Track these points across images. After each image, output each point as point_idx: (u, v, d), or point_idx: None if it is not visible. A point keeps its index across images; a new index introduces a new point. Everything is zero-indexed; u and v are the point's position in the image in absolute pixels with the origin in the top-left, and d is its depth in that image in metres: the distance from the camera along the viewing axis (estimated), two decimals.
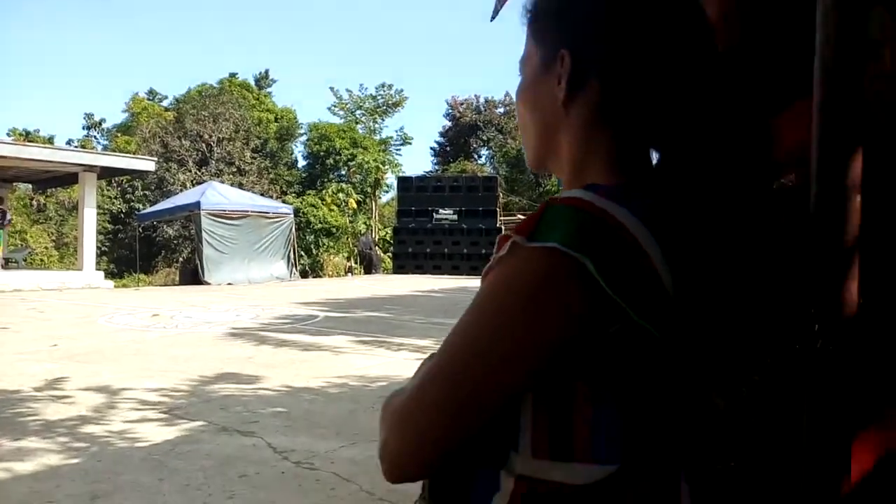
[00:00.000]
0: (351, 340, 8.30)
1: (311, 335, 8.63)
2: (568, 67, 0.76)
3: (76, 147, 28.69)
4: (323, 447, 4.00)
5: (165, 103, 39.43)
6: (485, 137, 46.33)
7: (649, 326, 0.64)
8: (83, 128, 37.78)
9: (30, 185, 24.80)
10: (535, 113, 0.81)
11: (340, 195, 29.71)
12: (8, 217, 18.08)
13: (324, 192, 30.44)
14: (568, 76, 0.76)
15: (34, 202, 30.79)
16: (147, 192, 32.35)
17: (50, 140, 33.65)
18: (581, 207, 0.66)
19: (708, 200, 0.78)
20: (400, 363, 6.91)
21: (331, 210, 30.19)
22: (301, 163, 39.34)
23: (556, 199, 0.68)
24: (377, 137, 39.85)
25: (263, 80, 42.11)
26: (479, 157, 46.94)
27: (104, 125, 38.03)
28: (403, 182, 27.70)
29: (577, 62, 0.76)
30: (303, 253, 24.65)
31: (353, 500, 3.24)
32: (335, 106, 40.74)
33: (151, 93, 40.17)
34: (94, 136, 37.34)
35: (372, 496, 3.26)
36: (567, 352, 0.65)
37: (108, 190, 30.81)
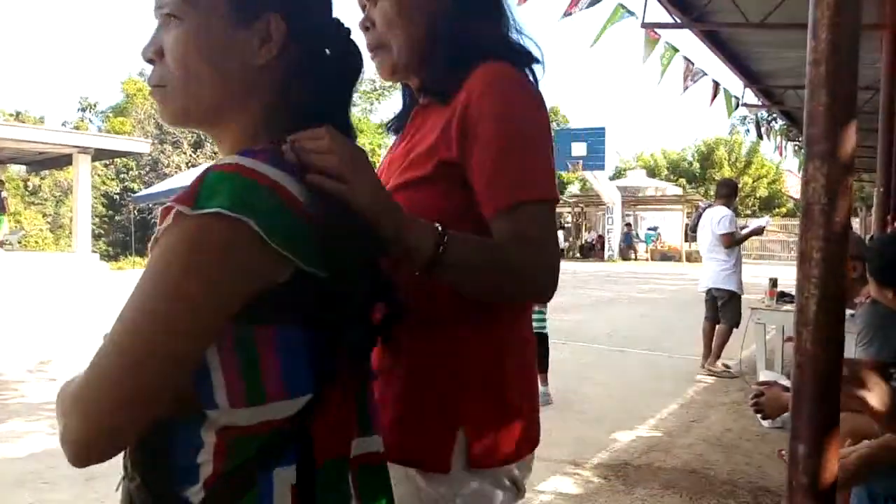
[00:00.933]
0: None
1: None
2: (283, 32, 0.79)
3: (70, 129, 28.50)
4: None
5: None
6: None
7: (315, 270, 0.71)
8: (78, 110, 37.49)
9: (23, 167, 24.65)
10: (216, 67, 0.79)
11: None
12: (3, 195, 17.97)
13: None
14: (281, 41, 0.79)
15: (29, 184, 30.60)
16: (141, 173, 32.20)
17: (40, 120, 33.38)
18: (238, 172, 0.69)
19: None
20: None
21: None
22: None
23: (215, 167, 0.70)
24: (374, 121, 39.69)
25: None
26: None
27: (98, 107, 37.73)
28: None
29: (288, 29, 0.80)
30: None
31: None
32: None
33: (143, 74, 39.85)
34: (90, 119, 37.07)
35: None
36: (246, 305, 0.69)
37: (102, 170, 30.61)
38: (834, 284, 0.80)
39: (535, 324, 4.79)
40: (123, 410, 0.67)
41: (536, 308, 4.91)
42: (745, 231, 6.15)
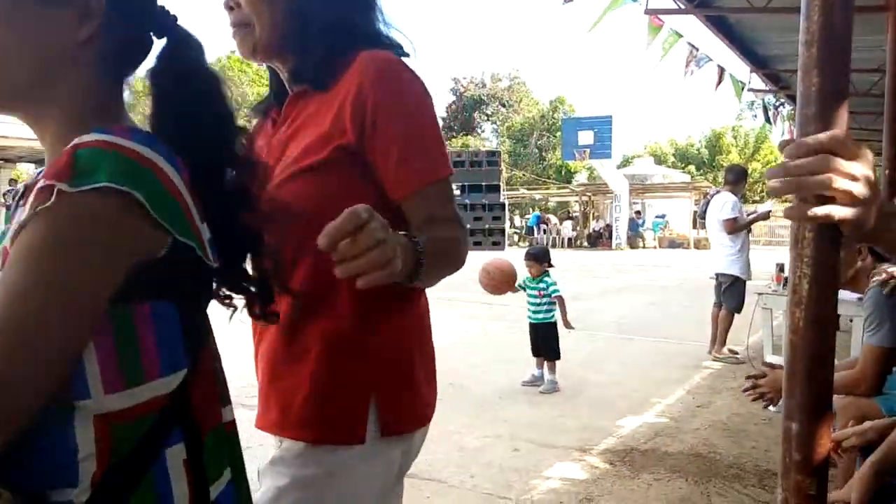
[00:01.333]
0: None
1: None
2: (102, 6, 0.77)
3: None
4: None
5: None
6: (488, 112, 46.01)
7: (192, 243, 0.73)
8: None
9: (32, 165, 24.75)
10: (25, 42, 0.75)
11: None
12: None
13: None
14: (101, 17, 0.77)
15: None
16: None
17: None
18: (114, 148, 0.68)
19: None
20: None
21: None
22: None
23: (82, 144, 0.68)
24: None
25: None
26: (483, 131, 46.64)
27: None
28: None
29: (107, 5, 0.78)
30: None
31: None
32: None
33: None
34: None
35: None
36: (124, 282, 0.68)
37: None
38: (826, 264, 0.81)
39: (539, 315, 4.79)
40: (8, 412, 0.62)
41: (539, 299, 4.92)
42: (749, 217, 6.13)
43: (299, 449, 1.07)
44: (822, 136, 0.75)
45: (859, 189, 0.73)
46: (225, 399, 0.86)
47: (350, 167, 1.05)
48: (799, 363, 0.83)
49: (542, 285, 4.90)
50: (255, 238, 0.92)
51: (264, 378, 1.13)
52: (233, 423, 0.87)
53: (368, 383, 1.07)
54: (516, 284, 4.91)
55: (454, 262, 1.06)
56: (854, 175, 0.74)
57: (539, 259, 4.94)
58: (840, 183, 0.73)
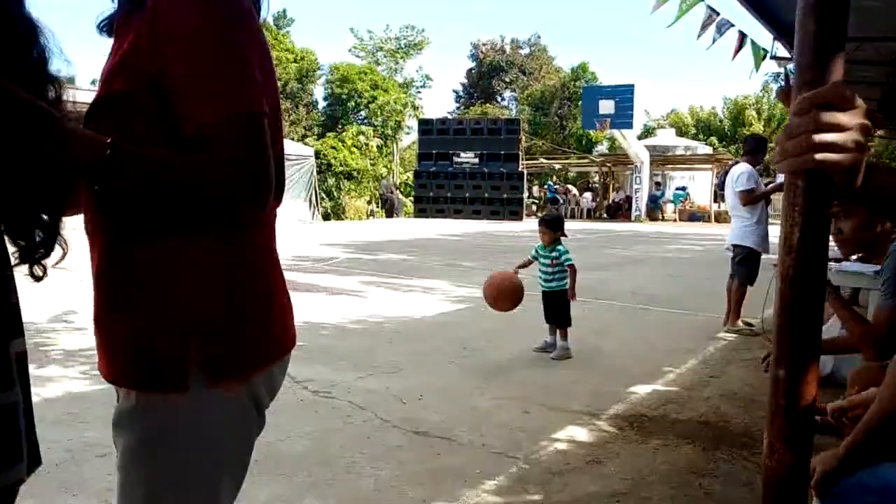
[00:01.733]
0: (370, 280, 8.41)
1: (331, 275, 8.77)
2: None
3: None
4: (341, 378, 4.13)
5: None
6: (507, 79, 45.45)
7: None
8: None
9: None
10: None
11: (361, 137, 29.55)
12: None
13: (344, 134, 30.31)
14: None
15: None
16: None
17: None
18: None
19: None
20: (417, 302, 7.01)
21: (351, 153, 30.08)
22: (321, 104, 39.06)
23: None
24: (399, 79, 39.29)
25: (281, 19, 41.46)
26: (503, 99, 46.14)
27: None
28: (424, 125, 27.43)
29: None
30: (324, 196, 24.74)
31: (367, 426, 3.36)
32: (356, 47, 40.08)
33: None
34: None
35: (385, 423, 3.38)
36: None
37: None
38: (817, 212, 0.81)
39: (552, 283, 4.86)
40: None
41: (551, 267, 4.92)
42: (767, 187, 6.04)
43: (132, 400, 1.04)
44: (810, 94, 0.77)
45: (847, 138, 0.75)
46: (17, 331, 0.99)
47: (150, 97, 0.99)
48: (788, 311, 0.84)
49: (554, 254, 4.91)
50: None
51: (94, 326, 1.11)
52: (24, 352, 1.01)
53: (185, 328, 1.02)
54: (530, 254, 4.95)
55: (174, 187, 0.97)
56: (843, 125, 0.75)
57: (553, 227, 4.94)
58: (829, 136, 0.75)
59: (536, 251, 4.97)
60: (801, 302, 0.83)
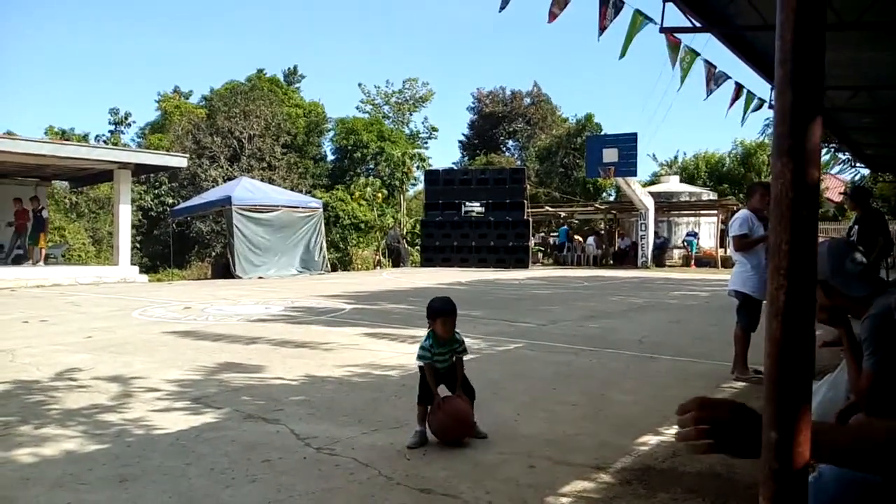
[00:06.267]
0: (375, 332, 8.38)
1: (337, 326, 8.74)
2: None
3: (109, 144, 29.30)
4: (344, 434, 4.08)
5: (191, 100, 39.95)
6: (511, 129, 46.09)
7: None
8: (109, 123, 38.43)
9: (66, 183, 25.41)
10: None
11: (368, 189, 29.89)
12: (45, 215, 18.54)
13: (352, 186, 30.67)
14: None
15: (67, 199, 31.52)
16: (174, 185, 32.95)
17: (84, 138, 34.35)
18: None
19: None
20: None
21: (359, 205, 30.38)
22: (329, 157, 39.64)
23: None
24: (406, 131, 39.96)
25: (292, 75, 42.47)
26: (507, 149, 46.74)
27: (130, 120, 38.59)
28: (430, 175, 27.77)
29: None
30: (332, 247, 24.89)
31: (370, 484, 3.30)
32: (363, 102, 40.91)
33: (176, 92, 40.68)
34: (122, 131, 38.01)
35: (389, 480, 3.32)
36: None
37: (135, 185, 31.52)
38: (803, 275, 0.83)
39: (429, 359, 4.27)
40: None
41: (431, 343, 4.03)
42: (763, 233, 6.06)
43: None
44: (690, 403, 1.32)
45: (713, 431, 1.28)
46: None
47: None
48: (777, 372, 0.84)
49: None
50: None
51: None
52: None
53: None
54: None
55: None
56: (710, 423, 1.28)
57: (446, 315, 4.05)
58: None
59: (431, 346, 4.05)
60: (791, 366, 0.84)
